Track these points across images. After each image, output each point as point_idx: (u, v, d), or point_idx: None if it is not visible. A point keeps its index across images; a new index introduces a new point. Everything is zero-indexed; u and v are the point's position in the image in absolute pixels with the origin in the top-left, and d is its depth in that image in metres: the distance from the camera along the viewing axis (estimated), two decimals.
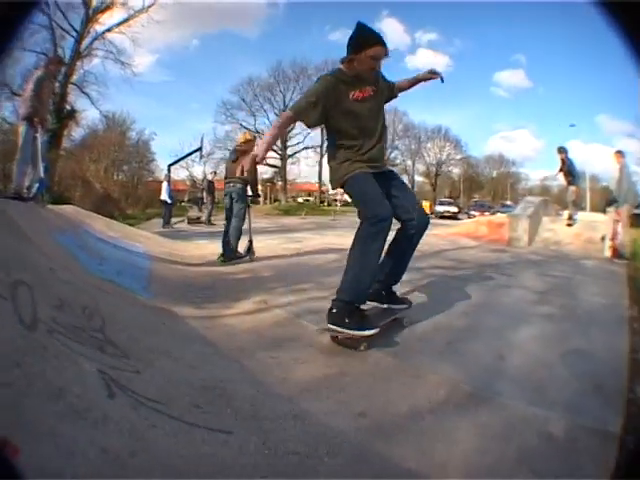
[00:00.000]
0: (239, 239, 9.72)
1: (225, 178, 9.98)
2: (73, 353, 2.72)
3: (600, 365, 4.10)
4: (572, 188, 16.03)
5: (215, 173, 31.20)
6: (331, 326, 4.21)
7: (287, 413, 2.98)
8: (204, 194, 28.13)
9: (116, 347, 3.24)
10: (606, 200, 14.59)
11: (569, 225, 14.60)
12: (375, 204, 4.45)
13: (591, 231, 14.74)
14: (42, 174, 8.47)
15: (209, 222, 22.96)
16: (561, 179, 16.30)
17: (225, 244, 9.56)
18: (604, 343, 4.71)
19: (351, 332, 4.13)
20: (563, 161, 15.48)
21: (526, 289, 7.30)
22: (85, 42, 35.94)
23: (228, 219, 9.77)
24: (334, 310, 4.25)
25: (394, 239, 4.93)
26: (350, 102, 4.44)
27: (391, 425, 3.03)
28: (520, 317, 5.65)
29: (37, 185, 8.44)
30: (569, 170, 15.82)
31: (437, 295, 6.58)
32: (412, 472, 2.53)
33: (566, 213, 16.19)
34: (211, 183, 26.18)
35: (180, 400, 2.78)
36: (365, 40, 4.34)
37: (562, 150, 15.51)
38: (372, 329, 4.18)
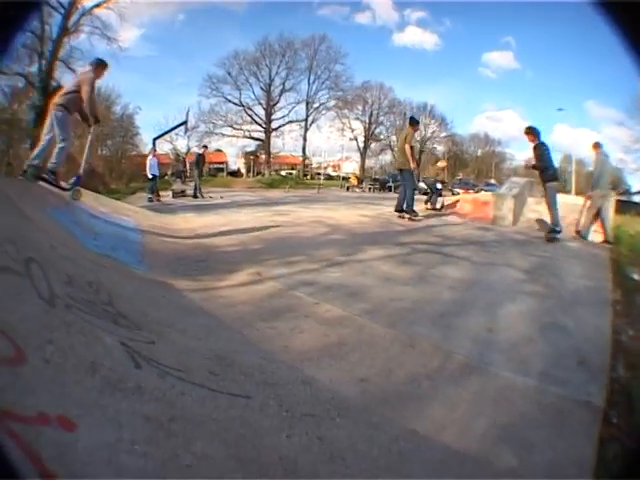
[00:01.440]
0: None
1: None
2: (94, 327, 2.82)
3: (584, 342, 4.30)
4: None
5: (206, 147, 30.66)
6: None
7: (295, 379, 3.15)
8: (187, 167, 28.03)
9: (128, 319, 3.36)
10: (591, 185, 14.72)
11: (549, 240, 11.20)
12: None
13: (575, 214, 14.84)
14: (82, 170, 9.05)
15: (196, 196, 22.78)
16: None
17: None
18: (587, 322, 4.91)
19: None
20: (536, 150, 11.57)
21: (511, 267, 7.44)
22: (72, 18, 35.50)
23: None
24: None
25: None
26: None
27: (391, 390, 3.23)
28: (506, 293, 5.83)
29: (75, 179, 8.85)
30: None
31: (425, 269, 6.78)
32: (414, 432, 2.72)
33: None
34: (201, 156, 25.51)
35: (197, 369, 2.92)
36: None
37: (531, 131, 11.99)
38: None
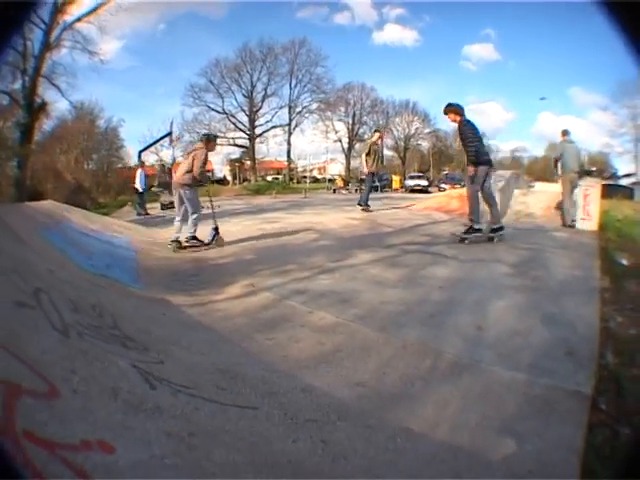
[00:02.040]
0: None
1: None
2: (106, 353, 3.00)
3: (572, 333, 4.42)
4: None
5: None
6: None
7: (295, 387, 3.31)
8: (171, 179, 28.01)
9: (134, 341, 3.52)
10: (580, 172, 14.83)
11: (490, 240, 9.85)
12: None
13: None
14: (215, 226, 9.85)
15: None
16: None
17: None
18: (575, 312, 5.02)
19: None
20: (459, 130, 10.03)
21: (499, 262, 7.56)
22: (54, 34, 35.43)
23: None
24: None
25: None
26: None
27: (386, 392, 3.39)
28: (494, 289, 5.95)
29: (213, 233, 9.80)
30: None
31: (413, 270, 6.91)
32: (408, 430, 2.89)
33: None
34: None
35: (205, 384, 3.09)
36: None
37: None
38: None
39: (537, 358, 3.90)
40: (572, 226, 12.59)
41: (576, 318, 4.84)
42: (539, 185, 24.70)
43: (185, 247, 9.37)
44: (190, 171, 9.36)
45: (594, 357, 3.92)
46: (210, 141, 10.19)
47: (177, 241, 9.41)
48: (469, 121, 9.94)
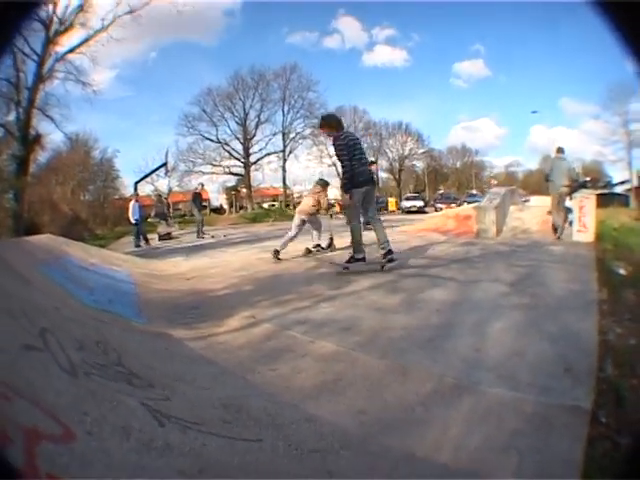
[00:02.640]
0: None
1: None
2: (114, 392, 3.05)
3: (570, 349, 4.44)
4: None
5: (202, 185, 30.70)
6: None
7: (299, 418, 3.36)
8: (170, 208, 28.02)
9: (139, 378, 3.56)
10: (572, 186, 14.95)
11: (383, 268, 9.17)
12: None
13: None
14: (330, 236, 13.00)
15: (200, 235, 22.52)
16: None
17: None
18: (573, 327, 5.05)
19: None
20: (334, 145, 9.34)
21: (497, 281, 7.56)
22: (46, 65, 35.64)
23: None
24: None
25: None
26: None
27: (388, 418, 3.43)
28: (492, 309, 5.96)
29: (329, 242, 12.77)
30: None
31: (412, 294, 6.95)
32: (412, 456, 2.94)
33: None
34: (198, 194, 25.83)
35: (212, 419, 3.15)
36: None
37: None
38: None
39: (535, 376, 3.94)
40: (559, 238, 12.98)
41: (574, 333, 4.89)
42: (534, 199, 24.85)
43: (311, 252, 12.21)
44: (315, 205, 12.16)
45: (593, 371, 3.95)
46: (325, 186, 12.84)
47: (307, 249, 12.33)
48: (344, 136, 9.12)
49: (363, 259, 9.16)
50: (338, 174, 62.00)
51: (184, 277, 9.93)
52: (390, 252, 9.02)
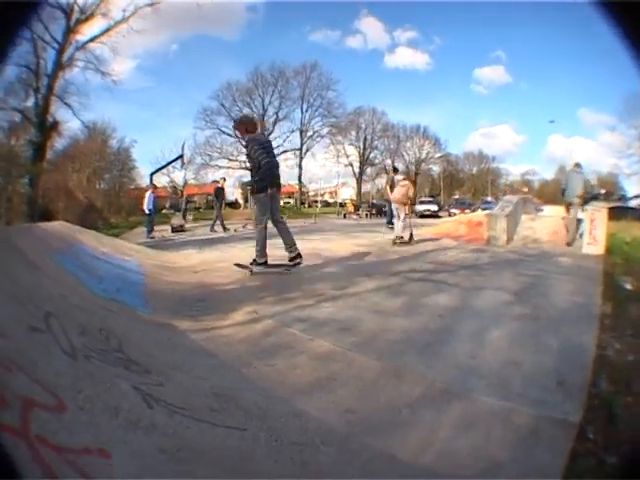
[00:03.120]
0: None
1: None
2: (110, 375, 3.22)
3: (566, 362, 4.48)
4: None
5: (224, 179, 30.44)
6: None
7: (287, 412, 3.45)
8: (185, 200, 28.08)
9: (137, 364, 3.70)
10: (584, 197, 14.98)
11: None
12: None
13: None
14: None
15: (214, 229, 22.81)
16: None
17: None
18: (572, 341, 5.09)
19: None
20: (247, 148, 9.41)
21: (501, 290, 7.60)
22: (66, 53, 35.87)
23: None
24: None
25: None
26: None
27: (374, 419, 3.49)
28: (493, 318, 6.01)
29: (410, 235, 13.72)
30: None
31: (415, 298, 7.02)
32: (390, 456, 3.01)
33: None
34: (221, 189, 25.65)
35: (200, 406, 3.26)
36: None
37: None
38: None
39: (527, 388, 3.95)
40: (569, 244, 13.41)
41: (572, 346, 4.92)
42: (548, 209, 24.76)
43: (396, 243, 13.73)
44: (405, 195, 14.29)
45: (586, 386, 3.96)
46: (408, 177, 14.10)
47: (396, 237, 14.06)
48: (259, 138, 9.32)
49: (265, 263, 9.17)
50: (354, 174, 62.25)
51: (193, 270, 10.02)
52: (299, 256, 9.19)
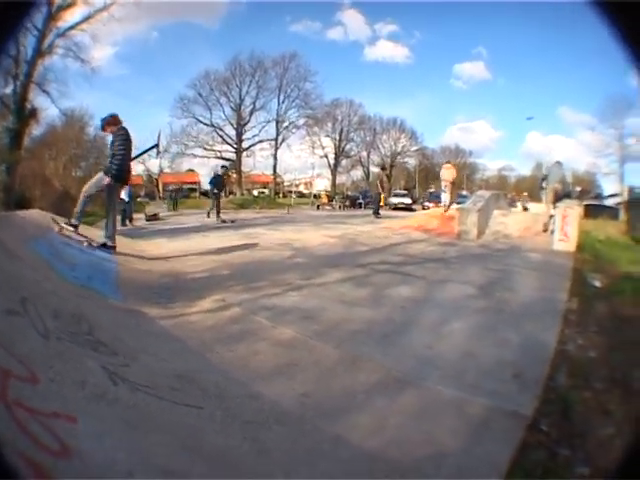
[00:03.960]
0: None
1: None
2: (79, 355, 3.41)
3: (525, 356, 4.67)
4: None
5: (226, 167, 31.14)
6: None
7: (244, 394, 3.64)
8: (160, 189, 27.82)
9: (106, 346, 3.87)
10: (556, 194, 15.20)
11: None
12: None
13: (541, 224, 15.24)
14: None
15: (220, 219, 21.60)
16: None
17: None
18: (533, 335, 5.28)
19: None
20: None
21: (466, 283, 7.81)
22: (46, 40, 35.49)
23: None
24: None
25: None
26: None
27: (328, 403, 3.67)
28: (455, 310, 6.21)
29: None
30: None
31: (380, 290, 7.22)
32: (337, 437, 3.19)
33: None
34: (220, 177, 24.60)
35: (162, 385, 3.45)
36: None
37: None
38: None
39: (483, 379, 4.11)
40: (545, 231, 14.00)
41: (533, 341, 5.10)
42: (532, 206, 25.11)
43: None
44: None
45: (543, 379, 4.09)
46: None
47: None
48: (125, 131, 9.72)
49: (76, 226, 9.42)
50: (329, 165, 62.19)
51: (164, 258, 10.12)
52: (113, 248, 9.39)
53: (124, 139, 9.48)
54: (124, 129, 9.61)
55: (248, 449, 2.90)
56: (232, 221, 20.79)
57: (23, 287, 4.24)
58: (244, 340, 4.95)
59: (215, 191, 23.18)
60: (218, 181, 23.82)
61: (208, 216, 22.14)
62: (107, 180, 9.28)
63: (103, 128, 9.72)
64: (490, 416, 3.51)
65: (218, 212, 22.01)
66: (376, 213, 24.10)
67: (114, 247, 9.45)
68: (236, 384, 3.86)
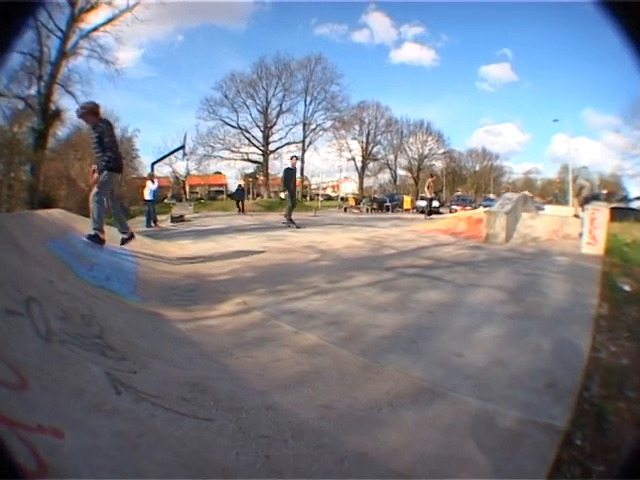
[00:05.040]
0: None
1: None
2: (83, 359, 3.23)
3: (557, 364, 4.39)
4: None
5: (297, 158, 29.18)
6: None
7: (260, 405, 3.39)
8: (187, 190, 28.10)
9: (115, 351, 3.70)
10: (584, 197, 15.08)
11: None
12: None
13: (569, 227, 14.96)
14: None
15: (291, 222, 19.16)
16: None
17: None
18: (565, 342, 5.02)
19: None
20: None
21: (495, 288, 7.54)
22: (70, 41, 35.97)
23: None
24: None
25: None
26: None
27: (350, 415, 3.41)
28: (484, 316, 5.94)
29: None
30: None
31: (407, 294, 6.96)
32: (361, 454, 2.92)
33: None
34: (291, 171, 20.45)
35: (171, 395, 3.24)
36: None
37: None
38: None
39: (514, 389, 3.85)
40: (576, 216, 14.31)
41: (565, 348, 4.85)
42: (549, 208, 24.79)
43: None
44: None
45: (577, 389, 3.85)
46: None
47: None
48: (110, 121, 9.59)
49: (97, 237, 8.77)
50: (357, 168, 62.33)
51: (188, 259, 10.07)
52: (94, 236, 8.73)
53: (112, 131, 9.39)
54: (108, 121, 9.43)
55: (260, 467, 2.64)
56: (297, 226, 18.97)
57: (31, 287, 4.09)
58: (265, 346, 4.76)
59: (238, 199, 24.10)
60: (289, 175, 23.40)
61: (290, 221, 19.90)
62: (106, 174, 8.97)
63: (82, 116, 9.23)
64: (524, 430, 3.25)
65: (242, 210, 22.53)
66: (429, 213, 27.45)
67: (103, 240, 8.88)
68: (252, 394, 3.63)
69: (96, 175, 9.10)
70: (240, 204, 33.31)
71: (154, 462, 2.39)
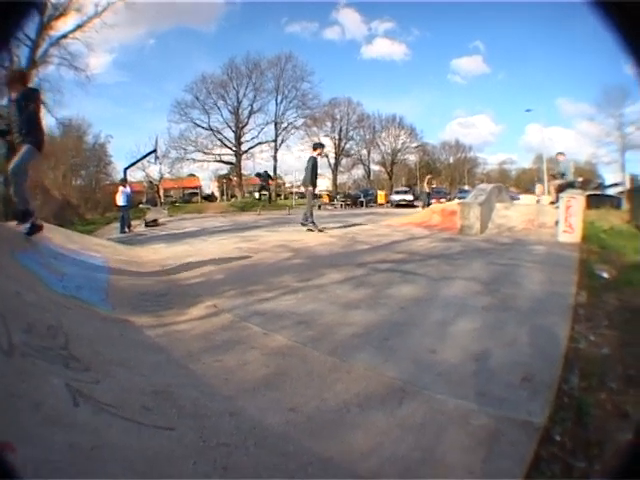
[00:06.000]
0: None
1: None
2: (44, 372, 3.20)
3: (534, 356, 4.38)
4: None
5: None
6: None
7: (224, 411, 3.36)
8: (161, 194, 27.85)
9: (79, 361, 3.65)
10: (559, 185, 15.32)
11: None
12: None
13: (544, 216, 15.22)
14: None
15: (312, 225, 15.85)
16: None
17: None
18: (543, 333, 5.02)
19: None
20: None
21: (470, 280, 7.60)
22: (40, 50, 35.69)
23: None
24: None
25: None
26: None
27: (318, 418, 3.36)
28: (459, 310, 5.93)
29: None
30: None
31: (379, 290, 6.99)
32: (328, 459, 2.86)
33: None
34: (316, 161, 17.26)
35: (132, 404, 3.20)
36: None
37: None
38: None
39: (490, 385, 3.81)
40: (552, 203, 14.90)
41: (542, 339, 4.84)
42: (523, 198, 24.98)
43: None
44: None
45: (555, 382, 3.83)
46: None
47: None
48: (36, 90, 9.16)
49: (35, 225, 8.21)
50: (330, 165, 62.39)
51: (160, 264, 9.96)
52: (33, 227, 8.16)
53: (39, 101, 8.76)
54: (36, 89, 8.98)
55: (217, 478, 2.59)
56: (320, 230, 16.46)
57: None
58: (233, 349, 4.71)
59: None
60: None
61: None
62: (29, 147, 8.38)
63: (9, 85, 8.48)
64: (499, 427, 3.20)
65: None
66: (428, 205, 29.02)
67: (39, 225, 8.31)
68: (218, 400, 3.59)
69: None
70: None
71: (107, 474, 2.38)
